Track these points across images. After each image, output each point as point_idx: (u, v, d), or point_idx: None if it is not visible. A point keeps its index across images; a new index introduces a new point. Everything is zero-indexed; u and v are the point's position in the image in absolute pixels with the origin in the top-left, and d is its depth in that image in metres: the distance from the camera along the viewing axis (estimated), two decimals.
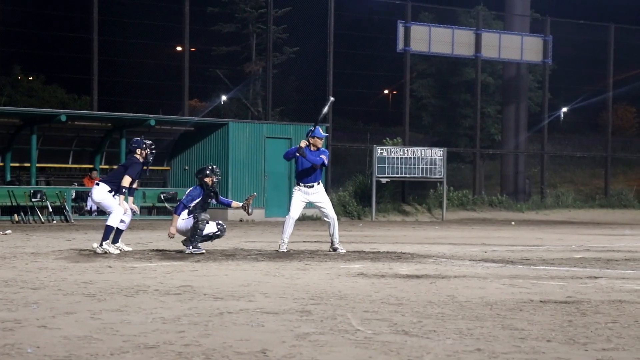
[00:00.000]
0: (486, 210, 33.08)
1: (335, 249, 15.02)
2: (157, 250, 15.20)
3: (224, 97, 40.55)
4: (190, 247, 14.34)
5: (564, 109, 45.71)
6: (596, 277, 11.72)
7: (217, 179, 14.97)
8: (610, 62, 36.97)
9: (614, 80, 37.48)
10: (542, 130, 36.30)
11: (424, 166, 30.99)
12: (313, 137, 15.15)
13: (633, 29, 38.35)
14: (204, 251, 14.36)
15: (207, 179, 14.89)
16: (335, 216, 15.36)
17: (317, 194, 15.16)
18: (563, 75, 38.71)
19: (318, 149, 15.13)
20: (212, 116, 36.22)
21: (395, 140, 32.30)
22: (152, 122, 28.08)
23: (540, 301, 9.18)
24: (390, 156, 30.63)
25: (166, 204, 26.76)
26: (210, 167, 15.09)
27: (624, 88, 40.00)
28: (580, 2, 52.88)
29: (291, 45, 37.50)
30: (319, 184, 15.19)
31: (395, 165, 30.65)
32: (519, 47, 35.43)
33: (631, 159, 41.32)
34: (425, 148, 31.85)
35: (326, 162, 15.23)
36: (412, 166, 30.85)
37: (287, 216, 15.15)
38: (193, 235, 14.40)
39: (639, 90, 42.10)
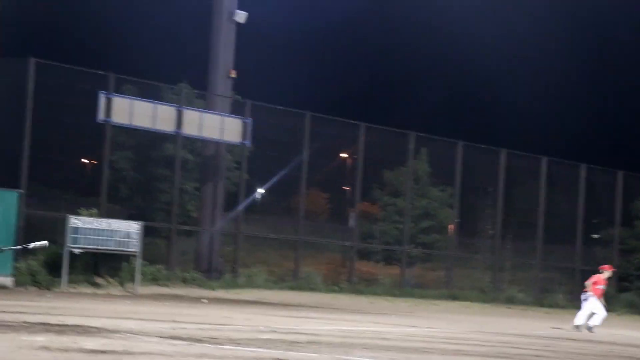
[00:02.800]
0: (179, 286, 33.08)
1: None
2: None
3: None
4: None
5: (260, 190, 46.81)
6: (279, 359, 12.00)
7: None
8: (305, 148, 38.34)
9: (309, 166, 38.83)
10: (238, 210, 36.92)
11: (119, 238, 30.66)
12: None
13: (327, 118, 39.99)
14: None
15: None
16: None
17: None
18: (261, 158, 39.67)
19: None
20: None
21: (91, 210, 31.80)
22: None
23: None
24: (85, 227, 30.10)
25: None
26: None
27: (318, 174, 41.54)
28: (279, 89, 54.78)
29: None
30: None
31: (89, 236, 30.13)
32: (219, 126, 36.03)
33: (321, 243, 42.79)
34: (120, 220, 31.54)
35: None
36: (106, 238, 30.43)
37: None
38: None
39: (331, 176, 43.91)
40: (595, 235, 48.93)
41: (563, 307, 41.14)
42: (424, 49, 76.45)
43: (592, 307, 26.78)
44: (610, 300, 43.22)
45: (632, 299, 44.59)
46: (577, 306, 41.72)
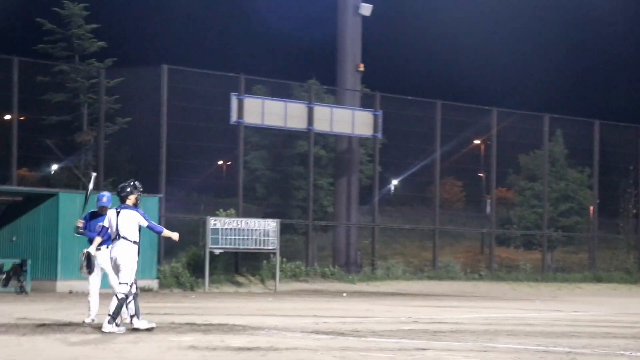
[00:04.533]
0: (318, 281, 33.33)
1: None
2: None
3: (54, 167, 39.80)
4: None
5: (394, 182, 46.78)
6: (424, 349, 11.94)
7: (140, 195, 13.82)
8: (437, 137, 38.11)
9: (442, 154, 38.60)
10: (373, 203, 36.99)
11: (257, 237, 31.06)
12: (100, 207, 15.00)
13: (458, 105, 39.68)
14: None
15: (131, 197, 13.62)
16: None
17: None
18: (393, 149, 39.62)
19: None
20: (42, 186, 35.41)
21: (228, 211, 32.31)
22: None
23: None
24: (224, 227, 30.59)
25: None
26: (132, 183, 13.75)
27: (451, 162, 41.26)
28: (409, 79, 54.57)
29: (124, 116, 37.20)
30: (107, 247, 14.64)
31: (228, 237, 30.61)
32: (350, 121, 36.16)
33: (458, 231, 42.52)
34: (258, 219, 31.93)
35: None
36: (245, 237, 30.87)
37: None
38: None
39: (465, 164, 43.52)
40: None
41: None
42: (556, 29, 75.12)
43: None
44: None
45: None
46: None
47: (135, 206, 13.63)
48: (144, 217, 13.52)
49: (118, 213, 13.54)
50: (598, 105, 60.28)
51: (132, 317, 13.43)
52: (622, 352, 12.23)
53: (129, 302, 13.32)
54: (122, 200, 13.68)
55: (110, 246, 13.88)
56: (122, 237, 13.44)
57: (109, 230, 13.69)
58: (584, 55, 76.93)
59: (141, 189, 13.81)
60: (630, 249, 43.42)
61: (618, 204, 44.40)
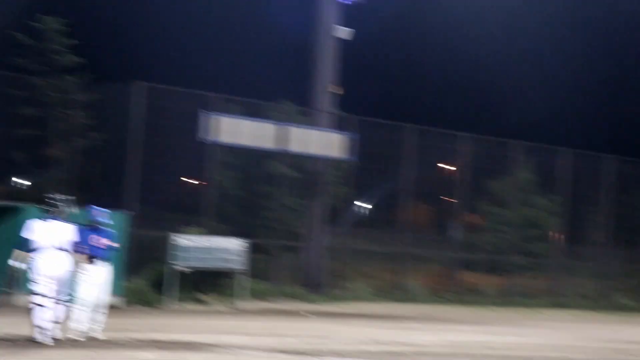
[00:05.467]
0: (284, 301, 33.40)
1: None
2: None
3: (21, 181, 39.73)
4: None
5: (364, 205, 46.99)
6: None
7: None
8: (408, 160, 38.43)
9: (412, 179, 38.88)
10: (342, 225, 37.13)
11: (224, 256, 31.12)
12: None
13: (428, 130, 40.02)
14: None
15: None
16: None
17: None
18: (364, 171, 39.83)
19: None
20: (10, 200, 35.36)
21: (197, 229, 32.38)
22: None
23: None
24: (191, 245, 30.65)
25: None
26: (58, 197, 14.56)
27: (420, 186, 41.50)
28: (380, 104, 54.91)
29: (97, 131, 37.27)
30: None
31: (195, 255, 30.66)
32: (323, 142, 36.32)
33: (423, 255, 42.69)
34: (226, 238, 31.99)
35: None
36: (212, 256, 30.93)
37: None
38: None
39: (434, 188, 43.81)
40: None
41: None
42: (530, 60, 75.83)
43: None
44: None
45: None
46: None
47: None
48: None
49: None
50: (566, 134, 60.67)
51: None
52: None
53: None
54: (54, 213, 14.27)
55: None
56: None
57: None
58: (558, 82, 77.63)
59: (62, 203, 14.29)
60: (593, 276, 43.85)
61: (584, 232, 44.84)
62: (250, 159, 39.80)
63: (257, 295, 32.72)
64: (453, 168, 43.55)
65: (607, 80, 71.66)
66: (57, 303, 13.73)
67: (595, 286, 43.10)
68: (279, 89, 41.20)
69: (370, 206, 45.60)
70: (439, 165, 44.38)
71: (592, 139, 56.80)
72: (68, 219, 14.17)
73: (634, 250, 44.94)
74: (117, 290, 28.47)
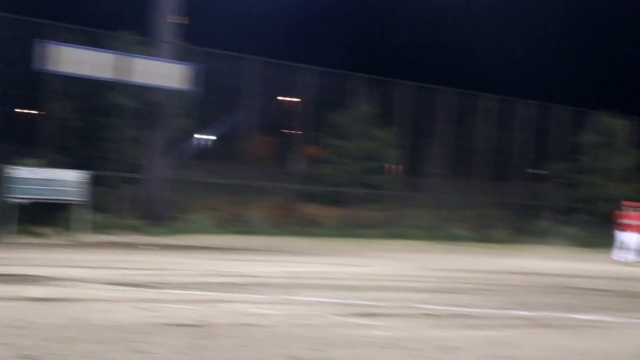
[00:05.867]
0: (126, 234, 33.14)
1: None
2: None
3: None
4: None
5: (207, 137, 46.76)
6: (224, 301, 12.23)
7: None
8: (250, 92, 38.41)
9: (255, 111, 38.92)
10: (184, 157, 36.94)
11: (64, 188, 30.60)
12: None
13: (268, 61, 40.02)
14: None
15: None
16: None
17: None
18: (208, 104, 39.57)
19: None
20: None
21: (34, 160, 31.65)
22: None
23: (170, 324, 9.50)
24: (29, 177, 29.98)
25: None
26: None
27: (263, 119, 41.58)
28: (225, 34, 54.46)
29: None
30: None
31: (33, 186, 30.03)
32: (165, 73, 35.78)
33: (265, 187, 42.97)
34: (65, 170, 31.42)
35: None
36: (51, 187, 30.36)
37: None
38: None
39: (276, 120, 43.96)
40: (540, 171, 49.72)
41: (506, 242, 42.03)
42: None
43: None
44: (553, 234, 44.27)
45: (573, 232, 45.50)
46: (518, 241, 42.69)
47: None
48: None
49: None
50: (414, 68, 61.56)
51: None
52: (419, 306, 12.87)
53: None
54: None
55: None
56: None
57: None
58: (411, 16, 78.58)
59: None
60: (430, 207, 45.05)
61: (422, 164, 45.92)
62: (90, 90, 39.00)
63: (97, 228, 32.32)
64: (296, 100, 43.77)
65: (440, 9, 72.84)
66: None
67: (432, 217, 44.27)
68: (120, 18, 40.34)
69: (213, 138, 45.48)
70: (282, 97, 44.52)
71: (431, 72, 58.03)
72: None
73: (470, 182, 46.34)
74: None
